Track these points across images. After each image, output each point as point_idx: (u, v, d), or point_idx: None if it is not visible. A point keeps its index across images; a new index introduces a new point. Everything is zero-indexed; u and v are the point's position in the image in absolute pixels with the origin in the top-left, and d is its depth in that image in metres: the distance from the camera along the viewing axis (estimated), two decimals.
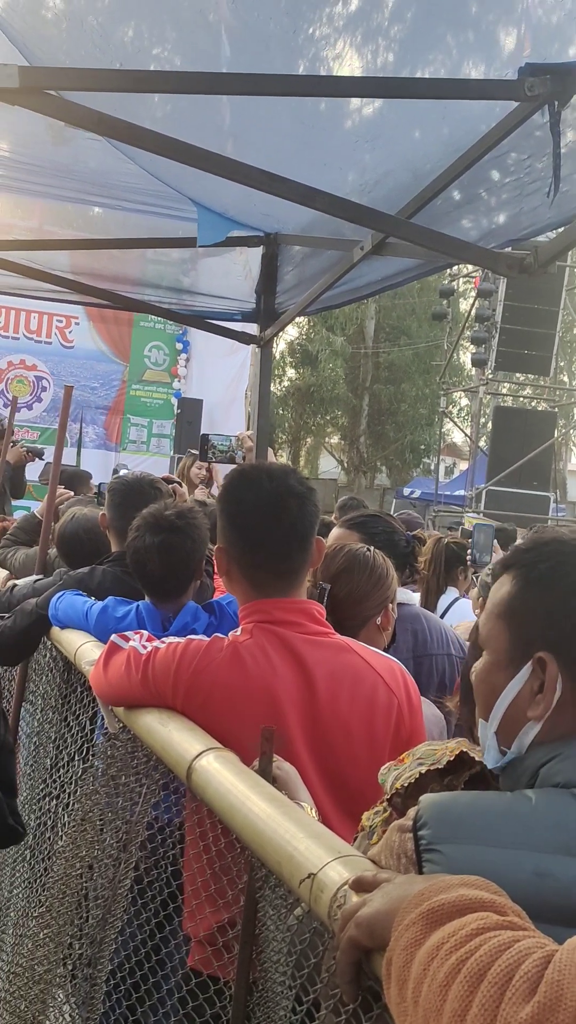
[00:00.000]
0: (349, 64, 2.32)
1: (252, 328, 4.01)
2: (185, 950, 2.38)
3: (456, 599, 4.78)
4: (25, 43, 2.85)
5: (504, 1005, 0.91)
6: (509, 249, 2.48)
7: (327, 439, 37.71)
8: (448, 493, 25.21)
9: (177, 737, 2.21)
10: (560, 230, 2.25)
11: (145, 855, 2.51)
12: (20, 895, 3.60)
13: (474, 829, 1.32)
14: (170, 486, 4.47)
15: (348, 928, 1.23)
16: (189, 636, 2.44)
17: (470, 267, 23.91)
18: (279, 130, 2.71)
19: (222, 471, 7.24)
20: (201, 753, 2.07)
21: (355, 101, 2.42)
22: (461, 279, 26.39)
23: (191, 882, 2.29)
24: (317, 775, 2.26)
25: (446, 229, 2.59)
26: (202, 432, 4.52)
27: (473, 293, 21.83)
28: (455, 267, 26.73)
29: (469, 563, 4.91)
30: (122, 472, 5.64)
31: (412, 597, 3.72)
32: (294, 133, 2.73)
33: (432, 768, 1.58)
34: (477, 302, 20.32)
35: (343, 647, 2.42)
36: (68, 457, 15.32)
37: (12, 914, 3.64)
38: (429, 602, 4.43)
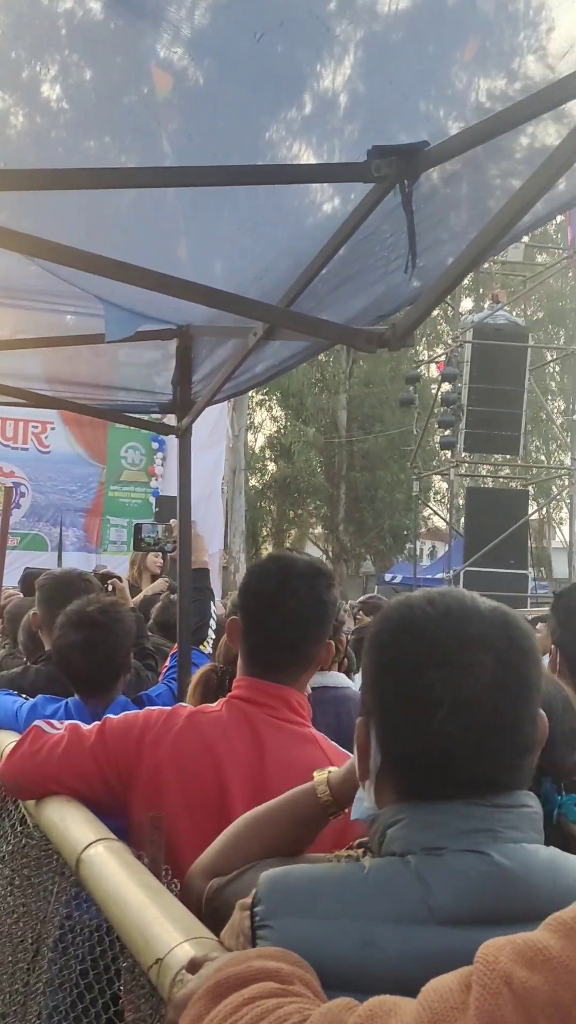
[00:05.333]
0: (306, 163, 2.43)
1: (170, 419, 4.07)
2: None
3: None
4: None
5: None
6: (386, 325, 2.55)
7: (310, 530, 37.83)
8: (429, 576, 25.18)
9: (72, 829, 2.19)
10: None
11: (57, 955, 2.45)
12: None
13: (304, 901, 1.30)
14: (109, 581, 4.47)
15: (170, 1011, 1.21)
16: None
17: (438, 351, 24.34)
18: (171, 225, 2.80)
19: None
20: (91, 843, 2.05)
21: (235, 193, 2.50)
22: (431, 364, 26.78)
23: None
24: None
25: (327, 310, 2.66)
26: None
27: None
28: (421, 353, 27.22)
29: None
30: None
31: (341, 680, 3.70)
32: (184, 227, 2.81)
33: None
34: (444, 386, 20.56)
35: (307, 738, 2.41)
36: (49, 561, 15.38)
37: None
38: None
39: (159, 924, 1.55)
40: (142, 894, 1.72)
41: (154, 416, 4.39)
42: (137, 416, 4.44)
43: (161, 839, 1.97)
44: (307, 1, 2.06)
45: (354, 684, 3.88)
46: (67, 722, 2.57)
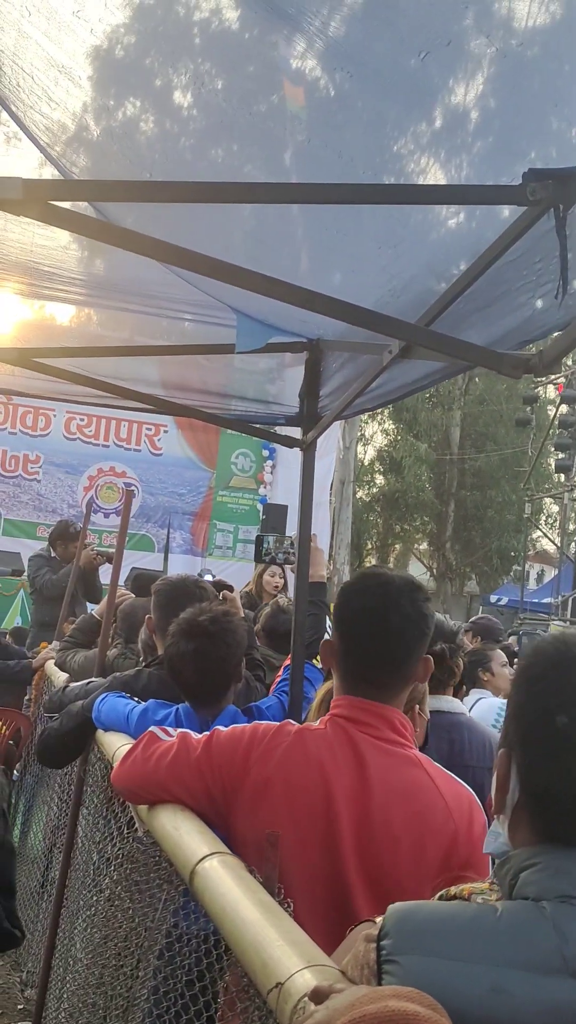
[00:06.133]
0: (433, 179, 2.41)
1: (295, 431, 4.06)
2: None
3: (479, 699, 4.82)
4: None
5: None
6: (528, 349, 2.50)
7: (416, 545, 37.59)
8: (535, 600, 24.80)
9: (186, 840, 2.20)
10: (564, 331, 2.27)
11: (163, 964, 2.46)
12: None
13: (434, 940, 1.27)
14: (222, 591, 4.48)
15: None
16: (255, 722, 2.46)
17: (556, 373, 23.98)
18: (308, 239, 2.79)
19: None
20: (205, 856, 2.05)
21: (372, 208, 2.49)
22: (549, 385, 26.42)
23: (225, 991, 2.23)
24: (361, 881, 2.21)
25: (466, 332, 2.62)
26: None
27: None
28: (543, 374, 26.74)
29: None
30: (206, 577, 5.67)
31: (455, 705, 3.64)
32: (323, 242, 2.80)
33: None
34: (562, 408, 20.24)
35: (411, 760, 2.37)
36: (155, 562, 15.58)
37: None
38: None
39: (278, 947, 1.53)
40: (259, 913, 1.70)
41: (277, 428, 4.40)
42: (261, 427, 4.46)
43: (276, 858, 1.95)
44: (444, 16, 2.03)
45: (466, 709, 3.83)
46: (179, 730, 2.57)
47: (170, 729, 2.62)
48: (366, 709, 2.37)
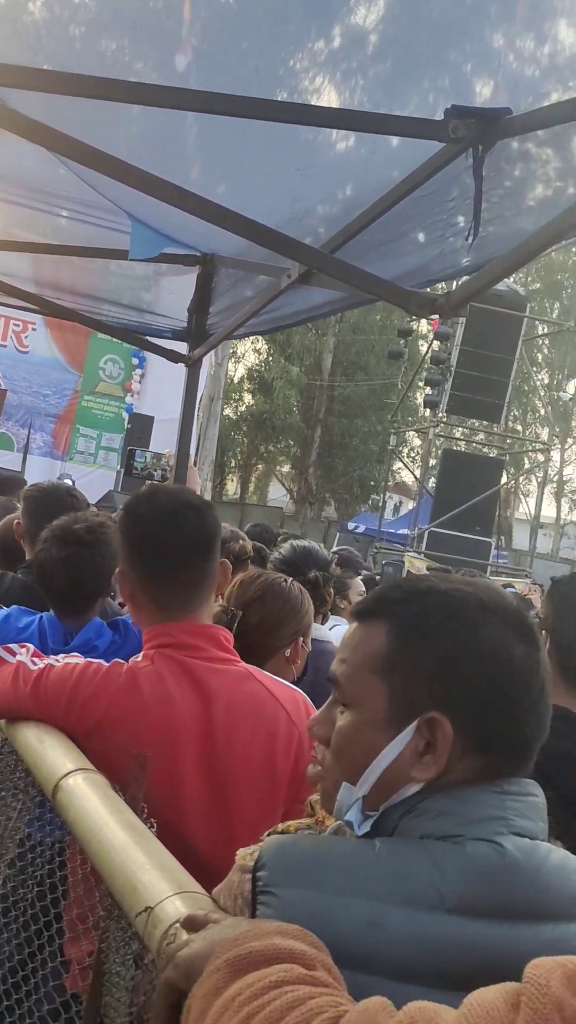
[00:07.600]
0: (327, 99, 2.34)
1: (181, 347, 3.98)
2: (65, 975, 2.29)
3: (335, 626, 4.87)
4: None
5: None
6: (428, 289, 2.48)
7: (278, 467, 37.79)
8: (392, 531, 25.29)
9: (51, 755, 2.15)
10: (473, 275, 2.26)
11: (14, 873, 2.43)
12: None
13: (312, 873, 1.27)
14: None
15: (168, 968, 1.18)
16: (88, 659, 2.38)
17: None
18: (214, 152, 2.70)
19: None
20: (70, 772, 2.01)
21: (289, 129, 2.42)
22: (423, 320, 26.63)
23: (77, 905, 2.21)
24: (213, 805, 2.21)
25: (370, 264, 2.58)
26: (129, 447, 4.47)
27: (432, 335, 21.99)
28: None
29: None
30: (65, 481, 5.53)
31: (323, 633, 3.67)
32: (228, 155, 2.72)
33: None
34: (434, 344, 20.47)
35: (245, 675, 2.37)
36: (13, 462, 15.25)
37: None
38: None
39: (147, 872, 1.52)
40: (127, 836, 1.68)
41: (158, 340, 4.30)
42: (143, 337, 4.36)
43: (143, 778, 1.94)
44: None
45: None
46: (20, 654, 2.47)
47: (16, 647, 2.53)
48: (188, 631, 2.35)
